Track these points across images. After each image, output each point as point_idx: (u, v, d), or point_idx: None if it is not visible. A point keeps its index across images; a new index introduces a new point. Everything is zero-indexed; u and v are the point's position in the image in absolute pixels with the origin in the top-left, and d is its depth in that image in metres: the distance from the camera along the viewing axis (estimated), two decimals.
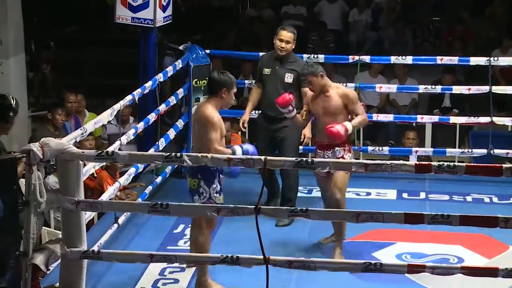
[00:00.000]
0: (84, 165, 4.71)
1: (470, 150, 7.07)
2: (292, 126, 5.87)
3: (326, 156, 5.30)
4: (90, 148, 6.48)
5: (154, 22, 6.69)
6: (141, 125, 5.91)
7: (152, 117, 6.07)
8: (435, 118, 7.48)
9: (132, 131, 5.75)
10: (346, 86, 6.21)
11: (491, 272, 4.03)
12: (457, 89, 7.22)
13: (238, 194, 6.03)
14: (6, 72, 7.74)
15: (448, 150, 7.14)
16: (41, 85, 10.62)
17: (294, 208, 4.13)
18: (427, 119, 7.39)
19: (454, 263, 5.23)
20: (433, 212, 3.96)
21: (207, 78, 6.51)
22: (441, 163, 3.90)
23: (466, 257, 5.36)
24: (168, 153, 4.07)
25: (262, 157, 4.00)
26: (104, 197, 5.28)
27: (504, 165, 3.90)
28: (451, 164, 3.89)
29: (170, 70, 6.47)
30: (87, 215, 4.87)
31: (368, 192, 6.56)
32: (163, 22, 6.87)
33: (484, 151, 6.92)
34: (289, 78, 6.03)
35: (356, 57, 7.01)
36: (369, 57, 7.14)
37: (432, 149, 7.30)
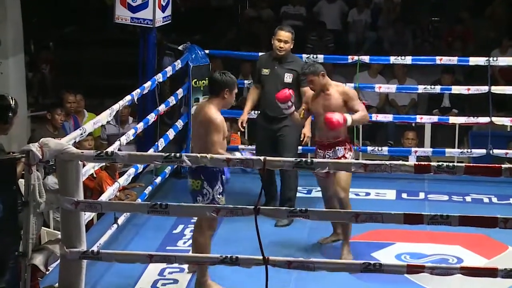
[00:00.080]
0: (84, 165, 4.72)
1: (469, 150, 7.07)
2: (292, 126, 5.88)
3: (327, 156, 5.30)
4: (90, 148, 6.48)
5: (153, 22, 6.68)
6: (140, 126, 5.91)
7: (151, 117, 6.07)
8: (435, 118, 7.48)
9: (132, 131, 5.75)
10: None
11: (490, 273, 4.03)
12: (457, 89, 7.22)
13: (238, 194, 6.03)
14: (5, 72, 7.74)
15: (447, 150, 7.14)
16: (40, 85, 10.62)
17: (293, 208, 4.13)
18: (427, 119, 7.39)
19: (454, 263, 5.23)
20: (432, 213, 3.97)
21: (206, 78, 6.54)
22: (440, 163, 3.90)
23: (466, 257, 5.36)
24: (168, 154, 4.07)
25: (262, 158, 4.00)
26: (104, 197, 5.28)
27: (503, 165, 3.90)
28: (451, 164, 3.89)
29: (169, 70, 6.47)
30: (87, 216, 4.86)
31: (367, 193, 6.56)
32: (162, 22, 6.87)
33: (484, 151, 6.92)
34: (288, 78, 6.03)
35: (356, 57, 7.01)
36: (368, 57, 7.14)
37: (431, 149, 7.30)
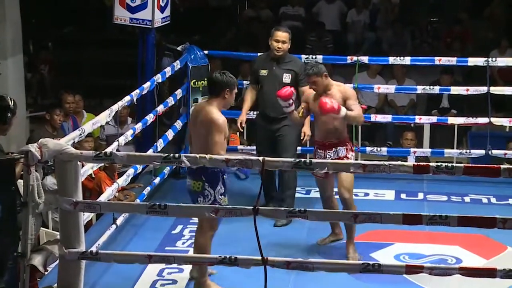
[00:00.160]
0: (82, 165, 4.71)
1: (468, 151, 7.07)
2: (292, 125, 5.89)
3: (328, 156, 5.30)
4: (90, 149, 6.48)
5: (152, 22, 6.68)
6: (139, 126, 5.91)
7: (150, 118, 6.07)
8: (433, 119, 7.48)
9: (130, 132, 5.75)
10: None
11: (489, 273, 4.04)
12: (455, 90, 7.21)
13: (237, 194, 6.03)
14: (4, 72, 7.74)
15: (446, 150, 7.14)
16: (39, 86, 10.62)
17: (292, 209, 4.13)
18: (425, 120, 7.38)
19: (452, 263, 5.23)
20: (431, 213, 3.97)
21: (205, 79, 6.54)
22: (439, 163, 3.91)
23: (464, 257, 5.36)
24: (167, 154, 4.07)
25: (260, 158, 4.00)
26: (103, 198, 5.28)
27: (502, 166, 3.90)
28: (449, 164, 3.89)
29: (168, 71, 6.47)
30: (85, 216, 4.87)
31: (366, 193, 6.56)
32: (161, 22, 6.87)
33: (482, 151, 6.92)
34: (287, 78, 6.04)
35: (355, 58, 7.01)
36: (367, 57, 7.14)
37: (430, 150, 7.30)
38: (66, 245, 4.18)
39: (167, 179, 6.77)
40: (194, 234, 5.27)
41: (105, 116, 5.23)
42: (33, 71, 10.59)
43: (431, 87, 7.48)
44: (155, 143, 6.24)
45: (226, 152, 4.67)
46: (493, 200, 6.51)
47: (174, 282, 5.00)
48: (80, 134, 4.84)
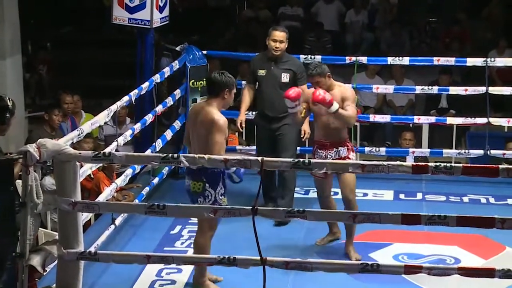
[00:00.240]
0: (81, 166, 4.71)
1: (466, 151, 7.08)
2: (292, 124, 5.90)
3: (329, 156, 5.29)
4: (89, 150, 6.48)
5: (151, 23, 6.68)
6: (138, 126, 5.91)
7: (149, 118, 6.07)
8: (432, 119, 7.48)
9: (129, 132, 5.75)
10: None
11: (488, 273, 4.04)
12: (454, 90, 7.21)
13: (235, 195, 6.02)
14: (2, 73, 7.73)
15: (445, 151, 7.14)
16: (37, 86, 10.62)
17: (291, 209, 4.13)
18: (424, 120, 7.39)
19: (451, 263, 5.23)
20: (430, 213, 3.97)
21: (204, 79, 6.54)
22: (438, 164, 3.91)
23: (463, 257, 5.36)
24: (165, 154, 4.07)
25: (259, 158, 4.00)
26: (101, 198, 5.27)
27: (500, 166, 3.90)
28: (448, 165, 3.89)
29: (167, 71, 6.47)
30: (84, 216, 4.86)
31: (365, 193, 6.56)
32: (160, 23, 6.87)
33: (481, 152, 6.93)
34: (285, 78, 6.04)
35: (353, 58, 7.01)
36: (366, 58, 7.14)
37: (429, 150, 7.30)
38: (64, 246, 4.17)
39: (166, 179, 6.77)
40: (192, 234, 5.29)
41: (103, 116, 5.23)
42: (31, 71, 10.59)
43: (430, 87, 7.49)
44: (154, 143, 6.24)
45: (225, 153, 4.66)
46: (492, 200, 6.51)
47: (173, 282, 5.00)
48: (79, 134, 4.84)
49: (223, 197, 4.70)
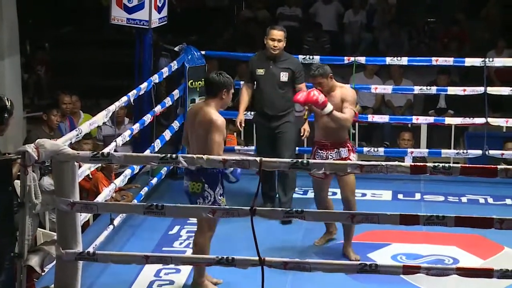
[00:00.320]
0: (80, 166, 4.71)
1: (465, 151, 7.08)
2: (291, 122, 5.90)
3: (330, 157, 5.28)
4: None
5: (149, 23, 6.67)
6: (136, 127, 5.91)
7: (147, 118, 6.07)
8: (430, 119, 7.48)
9: (128, 132, 5.74)
10: None
11: (486, 273, 4.04)
12: (452, 90, 7.21)
13: (234, 195, 6.02)
14: (1, 73, 7.73)
15: (443, 151, 7.14)
16: (35, 86, 10.61)
17: (289, 209, 4.13)
18: (422, 120, 7.39)
19: (449, 264, 5.24)
20: (428, 213, 3.97)
21: (202, 79, 6.54)
22: (436, 164, 3.91)
23: (461, 258, 5.37)
24: (164, 155, 4.07)
25: (257, 158, 4.00)
26: (100, 198, 5.27)
27: (499, 166, 3.91)
28: (446, 165, 3.89)
29: (165, 71, 6.47)
30: (82, 217, 4.86)
31: (363, 193, 6.56)
32: (159, 23, 6.86)
33: (479, 152, 6.93)
34: (284, 76, 6.06)
35: (352, 58, 7.01)
36: (364, 58, 7.15)
37: (427, 150, 7.30)
38: (63, 246, 4.17)
39: (164, 179, 6.77)
40: (191, 234, 5.29)
41: (102, 117, 5.23)
42: (30, 72, 10.58)
43: (428, 87, 7.49)
44: (153, 144, 6.24)
45: (224, 153, 4.66)
46: (490, 200, 6.52)
47: (171, 282, 5.00)
48: (77, 135, 4.83)
49: (222, 197, 4.70)
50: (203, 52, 7.04)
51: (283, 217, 4.17)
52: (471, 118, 7.03)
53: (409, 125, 8.22)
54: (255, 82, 6.19)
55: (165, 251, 5.39)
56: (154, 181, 6.48)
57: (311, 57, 6.95)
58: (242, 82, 6.56)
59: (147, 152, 6.00)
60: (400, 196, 6.62)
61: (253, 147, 6.97)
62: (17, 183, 4.27)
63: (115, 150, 5.21)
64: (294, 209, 4.09)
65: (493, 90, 6.99)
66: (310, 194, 6.39)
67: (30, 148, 4.03)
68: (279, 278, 4.73)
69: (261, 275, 4.06)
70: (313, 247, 5.54)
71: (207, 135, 4.61)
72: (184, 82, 6.88)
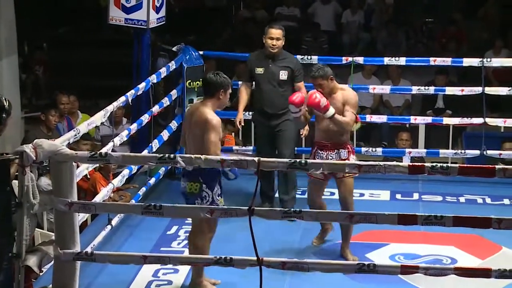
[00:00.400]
0: (77, 166, 4.71)
1: (463, 151, 7.08)
2: (291, 120, 5.92)
3: (330, 157, 5.26)
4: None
5: (147, 23, 6.67)
6: (134, 127, 5.91)
7: (145, 118, 6.07)
8: (428, 119, 7.49)
9: (125, 132, 5.74)
10: None
11: (484, 273, 4.04)
12: (450, 90, 7.22)
13: (232, 195, 6.03)
14: None
15: (441, 151, 7.15)
16: (33, 87, 10.60)
17: (287, 209, 4.13)
18: (420, 120, 7.40)
19: (447, 264, 5.24)
20: (426, 213, 3.97)
21: (200, 79, 6.54)
22: (434, 164, 3.91)
23: (459, 258, 5.37)
24: (162, 155, 4.07)
25: (256, 158, 4.00)
26: (98, 198, 5.27)
27: (497, 166, 3.91)
28: (444, 165, 3.89)
29: (163, 71, 6.46)
30: (80, 217, 4.86)
31: (361, 193, 6.56)
32: (157, 23, 6.86)
33: (477, 152, 6.93)
34: (283, 75, 6.07)
35: (350, 58, 7.02)
36: (362, 58, 7.15)
37: (425, 150, 7.31)
38: (61, 246, 4.17)
39: (162, 179, 6.76)
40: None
41: (100, 117, 5.22)
42: (27, 72, 10.57)
43: (426, 87, 7.50)
44: (150, 144, 6.24)
45: (221, 153, 4.66)
46: (488, 200, 6.52)
47: (170, 282, 5.00)
48: (75, 135, 4.83)
49: (220, 197, 4.70)
50: (201, 52, 7.04)
51: (282, 217, 4.16)
52: (469, 118, 7.04)
53: (407, 125, 8.22)
54: (255, 81, 6.20)
55: (163, 251, 5.39)
56: (152, 181, 6.47)
57: (309, 57, 6.95)
58: (240, 82, 6.57)
59: (145, 152, 5.99)
60: (398, 196, 6.63)
61: (251, 147, 6.98)
62: (15, 183, 4.26)
63: (113, 150, 5.21)
64: (292, 209, 4.09)
65: (491, 90, 6.99)
66: None
67: (28, 148, 4.03)
68: (277, 278, 4.73)
69: (259, 275, 4.05)
70: (312, 247, 5.54)
71: (203, 135, 4.61)
72: (182, 82, 6.88)
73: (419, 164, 4.00)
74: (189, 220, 5.64)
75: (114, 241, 5.56)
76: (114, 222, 5.56)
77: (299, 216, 4.03)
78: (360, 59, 7.10)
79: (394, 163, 4.02)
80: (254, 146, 6.68)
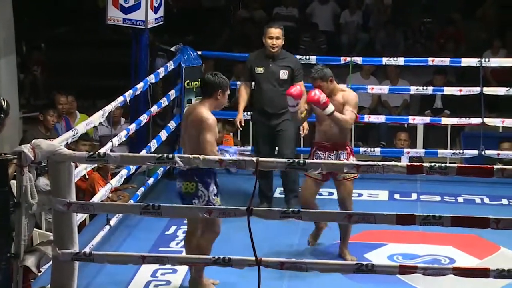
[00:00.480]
0: (76, 166, 4.70)
1: (461, 151, 7.09)
2: (291, 120, 5.92)
3: (329, 158, 5.26)
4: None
5: (145, 23, 6.67)
6: (132, 127, 5.90)
7: (143, 118, 6.07)
8: (427, 119, 7.49)
9: (124, 132, 5.74)
10: None
11: (483, 273, 4.04)
12: (449, 90, 7.23)
13: (231, 195, 6.03)
14: None
15: (439, 151, 7.15)
16: (31, 87, 10.59)
17: (285, 209, 4.13)
18: (419, 120, 7.40)
19: (446, 264, 5.24)
20: (424, 213, 3.97)
21: (199, 80, 6.54)
22: (432, 164, 3.91)
23: (458, 257, 5.37)
24: (160, 155, 4.07)
25: (254, 158, 4.00)
26: (96, 198, 5.27)
27: (495, 166, 3.91)
28: (443, 165, 3.90)
29: (161, 72, 6.46)
30: (79, 217, 4.86)
31: (360, 193, 6.56)
32: (155, 23, 6.86)
33: (476, 152, 6.94)
34: (284, 74, 6.08)
35: (348, 59, 7.02)
36: (361, 58, 7.16)
37: (423, 150, 7.31)
38: (59, 246, 4.17)
39: (161, 179, 6.76)
40: None
41: (98, 117, 5.22)
42: (26, 72, 10.56)
43: (425, 87, 7.50)
44: (149, 144, 6.23)
45: (225, 148, 4.68)
46: (486, 200, 6.53)
47: (168, 283, 5.00)
48: (74, 135, 4.83)
49: (216, 197, 4.70)
50: (199, 52, 7.04)
51: (280, 217, 4.17)
52: (467, 118, 7.04)
53: (406, 125, 8.22)
54: (254, 81, 6.20)
55: (162, 251, 5.39)
56: (151, 181, 6.47)
57: (307, 57, 6.95)
58: (238, 82, 6.57)
59: (143, 152, 5.99)
60: (396, 196, 6.63)
61: (249, 147, 6.97)
62: (13, 183, 4.26)
63: (111, 150, 5.21)
64: (290, 209, 4.09)
65: (489, 90, 7.00)
66: None
67: (26, 148, 4.03)
68: (276, 278, 4.73)
69: (258, 275, 4.05)
70: (310, 247, 5.53)
71: (199, 135, 4.61)
72: (181, 83, 6.87)
73: (418, 164, 4.00)
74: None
75: (112, 241, 5.55)
76: (113, 222, 5.56)
77: (297, 216, 4.03)
78: (358, 59, 7.10)
79: (393, 163, 4.02)
80: (253, 146, 6.69)
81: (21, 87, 9.18)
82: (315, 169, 4.05)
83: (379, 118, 7.49)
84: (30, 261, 4.14)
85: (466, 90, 6.95)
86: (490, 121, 7.05)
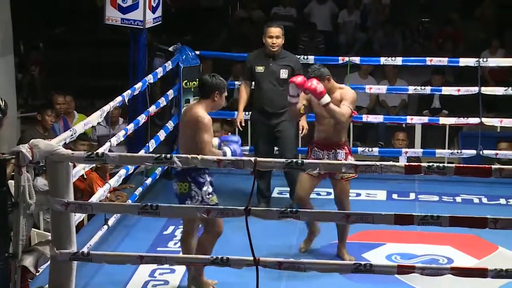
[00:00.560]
0: (74, 166, 4.70)
1: (459, 151, 7.09)
2: (290, 120, 5.93)
3: (326, 157, 5.26)
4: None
5: (143, 23, 6.67)
6: (131, 127, 5.90)
7: (142, 118, 6.06)
8: (425, 119, 7.50)
9: (122, 132, 5.74)
10: None
11: (481, 273, 4.05)
12: (447, 90, 7.23)
13: (229, 194, 6.03)
14: None
15: (437, 151, 7.16)
16: (30, 87, 10.59)
17: (284, 209, 4.13)
18: (417, 120, 7.40)
19: (444, 263, 5.24)
20: (422, 213, 3.97)
21: (197, 80, 6.54)
22: (430, 164, 3.91)
23: (456, 257, 5.37)
24: (158, 155, 4.07)
25: (252, 158, 4.01)
26: (94, 198, 5.26)
27: (493, 166, 3.91)
28: (441, 165, 3.90)
29: (160, 71, 6.46)
30: (77, 217, 4.85)
31: (358, 193, 6.56)
32: (153, 23, 6.86)
33: (474, 152, 6.94)
34: (284, 74, 6.08)
35: (346, 58, 7.02)
36: (359, 58, 7.16)
37: (421, 150, 7.31)
38: (57, 246, 4.16)
39: (159, 179, 6.76)
40: None
41: (96, 117, 5.22)
42: (24, 72, 10.55)
43: (423, 87, 7.50)
44: (147, 144, 6.23)
45: (227, 136, 4.68)
46: (484, 200, 6.53)
47: (166, 282, 4.99)
48: (72, 135, 4.82)
49: (211, 196, 4.69)
50: (197, 52, 7.04)
51: (278, 217, 4.17)
52: (465, 118, 7.04)
53: (404, 125, 8.23)
54: (254, 80, 6.20)
55: (160, 251, 5.39)
56: (149, 181, 6.47)
57: (305, 57, 6.95)
58: (236, 83, 6.56)
59: (142, 152, 5.99)
60: (394, 196, 6.63)
61: (247, 147, 6.97)
62: (11, 183, 4.26)
63: (109, 150, 5.20)
64: (288, 209, 4.09)
65: (487, 90, 7.00)
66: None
67: (24, 148, 4.03)
68: (274, 278, 4.73)
69: (256, 275, 4.05)
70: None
71: (194, 135, 4.62)
72: (179, 82, 6.87)
73: (416, 164, 4.00)
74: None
75: (110, 241, 5.55)
76: (111, 222, 5.56)
77: (295, 216, 4.03)
78: (356, 59, 7.10)
79: (391, 163, 4.02)
80: (251, 146, 6.69)
81: (19, 87, 9.17)
82: (313, 169, 4.05)
83: (377, 118, 7.49)
84: (28, 261, 4.13)
85: (464, 90, 6.95)
86: (488, 121, 7.05)
